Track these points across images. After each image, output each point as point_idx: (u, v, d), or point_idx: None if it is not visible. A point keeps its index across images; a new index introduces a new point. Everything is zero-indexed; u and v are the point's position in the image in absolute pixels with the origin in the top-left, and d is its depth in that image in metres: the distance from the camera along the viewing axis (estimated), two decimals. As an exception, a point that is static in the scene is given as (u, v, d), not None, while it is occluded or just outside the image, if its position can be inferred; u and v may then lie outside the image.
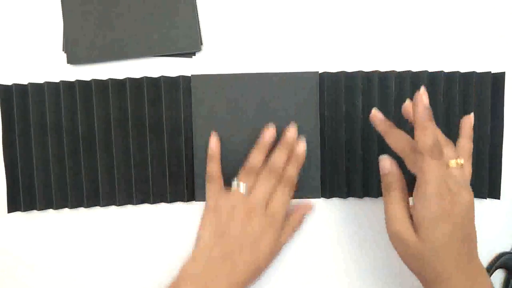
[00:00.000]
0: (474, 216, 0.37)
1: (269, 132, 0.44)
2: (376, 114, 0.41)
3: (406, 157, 0.37)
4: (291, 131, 0.44)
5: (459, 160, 0.37)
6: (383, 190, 0.40)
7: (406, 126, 0.45)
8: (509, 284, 0.47)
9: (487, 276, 0.38)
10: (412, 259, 0.37)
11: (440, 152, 0.35)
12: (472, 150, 0.40)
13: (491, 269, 0.47)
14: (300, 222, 0.45)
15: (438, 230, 0.35)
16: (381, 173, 0.40)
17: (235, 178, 0.43)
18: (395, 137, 0.39)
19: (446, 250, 0.35)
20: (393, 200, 0.38)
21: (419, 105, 0.35)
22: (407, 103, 0.40)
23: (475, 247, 0.37)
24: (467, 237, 0.36)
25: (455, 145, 0.40)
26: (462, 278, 0.36)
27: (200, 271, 0.41)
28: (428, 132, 0.35)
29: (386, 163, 0.40)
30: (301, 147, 0.44)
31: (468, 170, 0.39)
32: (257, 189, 0.42)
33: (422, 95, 0.35)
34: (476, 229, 0.47)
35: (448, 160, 0.37)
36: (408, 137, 0.38)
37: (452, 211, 0.35)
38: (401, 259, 0.38)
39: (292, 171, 0.44)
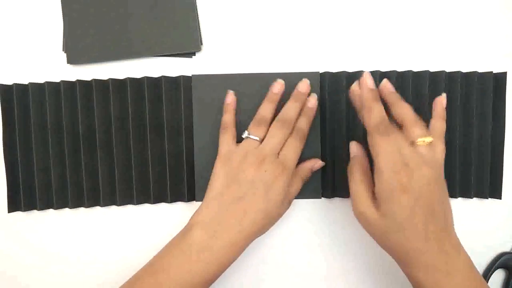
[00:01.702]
0: (444, 193, 0.38)
1: (277, 85, 0.44)
2: (354, 89, 0.41)
3: (368, 138, 0.39)
4: (304, 84, 0.44)
5: (426, 139, 0.37)
6: (348, 174, 0.41)
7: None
8: (509, 284, 0.47)
9: (464, 253, 0.38)
10: (379, 237, 0.38)
11: (387, 129, 0.37)
12: (444, 130, 0.40)
13: (491, 269, 0.47)
14: (309, 172, 0.45)
15: (396, 203, 0.36)
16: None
17: (246, 130, 0.43)
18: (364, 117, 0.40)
19: (409, 224, 0.36)
20: (355, 180, 0.40)
21: (363, 88, 0.40)
22: (353, 87, 0.41)
23: (449, 224, 0.38)
24: (435, 212, 0.37)
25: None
26: (434, 253, 0.36)
27: (211, 217, 0.40)
28: (374, 111, 0.38)
29: (352, 147, 0.42)
30: (313, 100, 0.44)
31: (440, 149, 0.39)
32: (268, 139, 0.42)
33: (366, 78, 0.40)
34: (476, 229, 0.47)
35: (415, 138, 0.38)
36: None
37: (409, 184, 0.36)
38: (375, 240, 0.39)
39: (304, 123, 0.43)
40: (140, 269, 0.40)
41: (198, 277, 0.39)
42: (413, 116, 0.39)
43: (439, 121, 0.40)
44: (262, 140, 0.42)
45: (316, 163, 0.45)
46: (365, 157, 0.42)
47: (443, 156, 0.39)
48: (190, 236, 0.40)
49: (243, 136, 0.42)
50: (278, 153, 0.42)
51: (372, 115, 0.38)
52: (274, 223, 0.42)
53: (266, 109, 0.43)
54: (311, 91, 0.45)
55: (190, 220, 0.41)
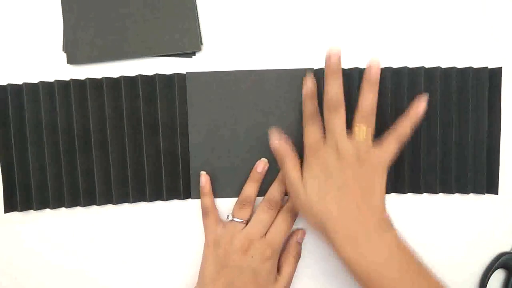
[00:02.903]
0: (369, 176, 0.39)
1: (261, 163, 0.45)
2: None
3: None
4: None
5: (361, 127, 0.40)
6: (279, 160, 0.43)
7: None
8: (509, 284, 0.47)
9: (392, 231, 0.39)
10: (308, 215, 0.40)
11: (336, 108, 0.40)
12: (406, 133, 0.41)
13: (491, 269, 0.47)
14: (298, 247, 0.45)
15: (310, 181, 0.40)
16: (272, 146, 0.43)
17: (230, 214, 0.44)
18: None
19: (324, 200, 0.39)
20: (290, 165, 0.41)
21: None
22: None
23: (375, 203, 0.39)
24: (353, 191, 0.39)
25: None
26: (353, 225, 0.38)
27: None
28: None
29: (274, 135, 0.43)
30: None
31: (389, 147, 0.40)
32: (254, 222, 0.43)
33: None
34: (474, 226, 0.47)
35: (354, 123, 0.41)
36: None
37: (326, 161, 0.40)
38: (302, 215, 0.41)
39: (292, 203, 0.44)
40: None
41: None
42: (365, 107, 0.41)
43: (404, 122, 0.41)
44: (247, 222, 0.43)
45: (299, 234, 0.46)
46: (290, 145, 0.43)
47: (389, 157, 0.40)
48: None
49: (227, 219, 0.44)
50: (265, 234, 0.43)
51: (328, 92, 0.41)
52: None
53: (250, 189, 0.44)
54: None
55: None
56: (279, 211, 0.44)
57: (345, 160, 0.39)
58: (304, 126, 0.43)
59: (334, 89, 0.41)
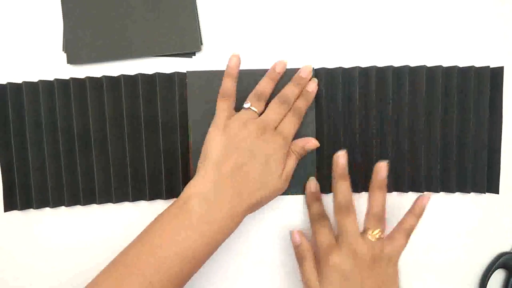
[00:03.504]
0: (385, 279, 0.40)
1: (280, 64, 0.44)
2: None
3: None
4: (306, 69, 0.44)
5: (375, 232, 0.41)
6: (297, 260, 0.44)
7: (403, 120, 0.45)
8: (509, 284, 0.47)
9: None
10: None
11: (348, 210, 0.41)
12: (413, 228, 0.42)
13: (491, 269, 0.47)
14: (302, 150, 0.44)
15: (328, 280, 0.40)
16: (293, 245, 0.45)
17: (248, 102, 0.43)
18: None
19: None
20: (307, 268, 0.42)
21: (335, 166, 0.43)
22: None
23: None
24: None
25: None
26: None
27: (209, 188, 0.39)
28: (339, 191, 0.42)
29: (295, 236, 0.44)
30: (313, 84, 0.44)
31: (398, 243, 0.41)
32: (268, 112, 0.42)
33: (339, 158, 0.43)
34: (474, 225, 0.47)
35: (366, 229, 0.41)
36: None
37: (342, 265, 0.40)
38: None
39: (302, 104, 0.44)
40: (130, 246, 0.39)
41: (199, 251, 0.38)
42: (375, 208, 0.41)
43: (411, 218, 0.43)
44: (260, 114, 0.42)
45: (309, 142, 0.44)
46: (311, 246, 0.44)
47: (400, 251, 0.41)
48: (189, 208, 0.38)
49: (245, 106, 0.42)
50: (276, 127, 0.42)
51: (338, 195, 0.42)
52: (272, 198, 0.42)
53: (266, 85, 0.44)
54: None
55: (185, 191, 0.40)
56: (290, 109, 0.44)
57: (361, 261, 0.39)
58: (313, 225, 0.44)
59: (343, 193, 0.42)
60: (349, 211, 0.41)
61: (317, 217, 0.44)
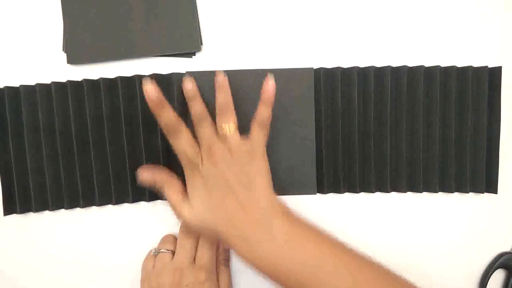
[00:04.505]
0: (246, 167, 0.39)
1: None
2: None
3: None
4: None
5: (228, 126, 0.40)
6: (161, 191, 0.42)
7: (402, 120, 0.45)
8: (509, 284, 0.47)
9: (280, 216, 0.38)
10: (200, 228, 0.40)
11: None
12: (266, 116, 0.41)
13: (491, 269, 0.47)
14: (225, 254, 0.45)
15: (193, 196, 0.40)
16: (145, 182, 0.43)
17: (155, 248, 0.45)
18: None
19: (206, 203, 0.39)
20: (168, 193, 0.41)
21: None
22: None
23: (255, 194, 0.39)
24: (232, 188, 0.38)
25: None
26: (240, 224, 0.38)
27: None
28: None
29: (145, 172, 0.43)
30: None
31: (256, 135, 0.41)
32: (179, 248, 0.43)
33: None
34: (474, 225, 0.47)
35: (218, 127, 0.41)
36: None
37: (200, 168, 0.39)
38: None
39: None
40: None
41: None
42: (222, 104, 0.41)
43: (261, 108, 0.41)
44: (173, 252, 0.44)
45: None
46: (170, 174, 0.43)
47: (260, 143, 0.41)
48: None
49: (152, 253, 0.44)
50: (194, 259, 0.43)
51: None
52: None
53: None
54: (306, 87, 0.45)
55: None
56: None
57: (218, 158, 0.39)
58: (172, 144, 0.42)
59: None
60: (202, 120, 0.41)
61: (170, 128, 0.41)
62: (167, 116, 0.39)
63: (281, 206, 0.40)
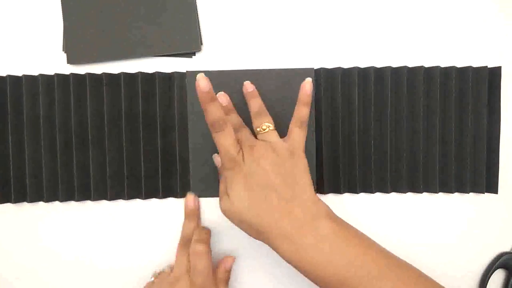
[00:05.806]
0: (290, 168, 0.40)
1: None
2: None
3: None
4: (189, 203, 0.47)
5: (264, 126, 0.42)
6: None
7: (402, 120, 0.45)
8: (509, 284, 0.47)
9: (325, 220, 0.38)
10: (238, 221, 0.40)
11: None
12: (304, 115, 0.42)
13: (491, 269, 0.47)
14: (226, 274, 0.45)
15: (235, 189, 0.39)
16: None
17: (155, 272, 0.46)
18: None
19: (250, 202, 0.39)
20: (221, 182, 0.42)
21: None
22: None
23: (298, 195, 0.39)
24: (275, 187, 0.38)
25: None
26: (282, 224, 0.38)
27: None
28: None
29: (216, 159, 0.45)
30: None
31: (295, 134, 0.42)
32: (176, 264, 0.44)
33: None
34: (474, 225, 0.47)
35: (254, 128, 0.42)
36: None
37: (242, 166, 0.39)
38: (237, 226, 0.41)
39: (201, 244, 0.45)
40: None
41: None
42: (256, 108, 0.43)
43: (299, 108, 0.43)
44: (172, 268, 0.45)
45: (227, 262, 0.45)
46: None
47: (300, 141, 0.41)
48: None
49: (152, 278, 0.45)
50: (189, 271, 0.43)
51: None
52: None
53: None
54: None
55: None
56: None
57: (260, 156, 0.39)
58: (216, 139, 0.41)
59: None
60: (241, 127, 0.43)
61: (215, 123, 0.40)
62: (215, 111, 0.38)
63: (325, 206, 0.40)
